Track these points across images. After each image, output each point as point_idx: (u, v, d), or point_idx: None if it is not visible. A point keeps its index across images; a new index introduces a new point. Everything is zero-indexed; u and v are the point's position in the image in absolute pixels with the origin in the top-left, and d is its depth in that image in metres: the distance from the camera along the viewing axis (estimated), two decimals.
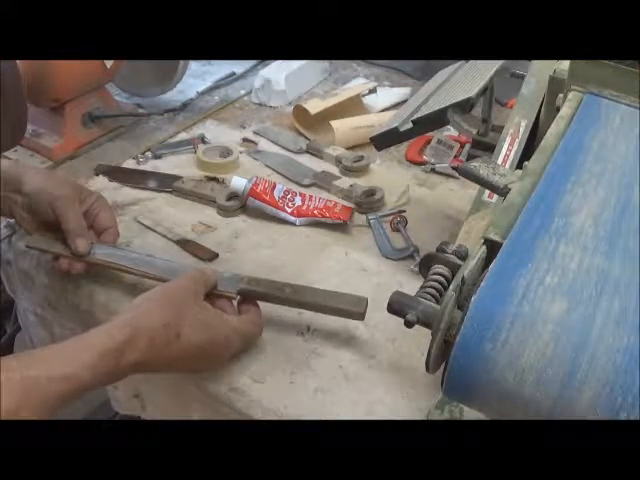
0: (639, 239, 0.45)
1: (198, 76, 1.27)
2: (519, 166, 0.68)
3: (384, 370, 0.67)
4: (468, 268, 0.44)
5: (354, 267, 0.80)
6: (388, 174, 0.99)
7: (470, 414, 0.58)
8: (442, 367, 0.43)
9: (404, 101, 1.11)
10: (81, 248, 0.71)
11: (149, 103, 1.17)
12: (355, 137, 1.04)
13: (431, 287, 0.48)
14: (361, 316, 0.67)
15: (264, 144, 1.06)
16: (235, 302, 0.68)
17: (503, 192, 0.53)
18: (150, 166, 0.99)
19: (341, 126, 1.04)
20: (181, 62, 1.12)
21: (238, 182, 0.88)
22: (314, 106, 1.06)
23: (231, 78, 1.26)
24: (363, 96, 1.14)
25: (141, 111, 1.13)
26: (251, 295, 0.69)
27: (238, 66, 1.29)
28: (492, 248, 0.46)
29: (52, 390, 0.50)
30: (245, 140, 1.07)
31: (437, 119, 0.76)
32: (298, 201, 0.87)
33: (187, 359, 0.60)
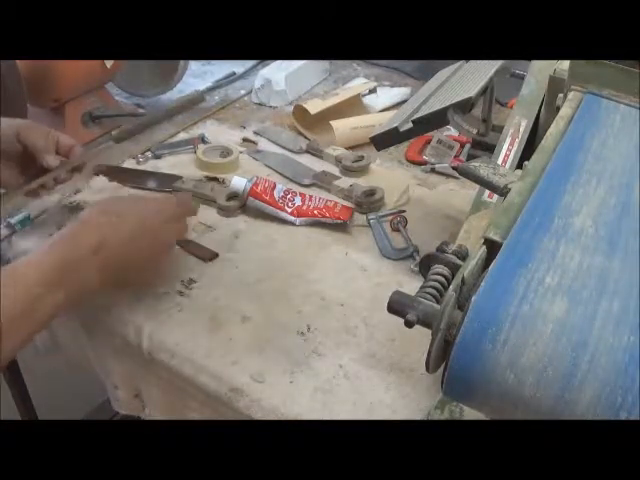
0: (639, 239, 0.45)
1: (198, 76, 1.27)
2: (519, 166, 0.68)
3: (384, 370, 0.67)
4: (468, 268, 0.44)
5: (354, 267, 0.80)
6: (388, 174, 0.99)
7: (470, 414, 0.58)
8: (442, 367, 0.43)
9: (404, 101, 1.12)
10: (52, 162, 0.77)
11: (149, 103, 1.17)
12: (355, 137, 1.04)
13: (431, 287, 0.48)
14: None
15: (264, 144, 1.06)
16: None
17: (503, 192, 0.53)
18: (150, 166, 0.99)
19: (341, 126, 1.04)
20: (181, 62, 1.12)
21: (238, 182, 0.88)
22: (314, 106, 1.06)
23: (231, 78, 1.26)
24: (363, 96, 1.14)
25: (141, 111, 1.13)
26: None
27: (238, 66, 1.29)
28: (492, 248, 0.46)
29: (30, 278, 0.58)
30: (245, 140, 1.07)
31: (437, 119, 0.76)
32: (298, 201, 0.87)
33: (137, 235, 0.67)
